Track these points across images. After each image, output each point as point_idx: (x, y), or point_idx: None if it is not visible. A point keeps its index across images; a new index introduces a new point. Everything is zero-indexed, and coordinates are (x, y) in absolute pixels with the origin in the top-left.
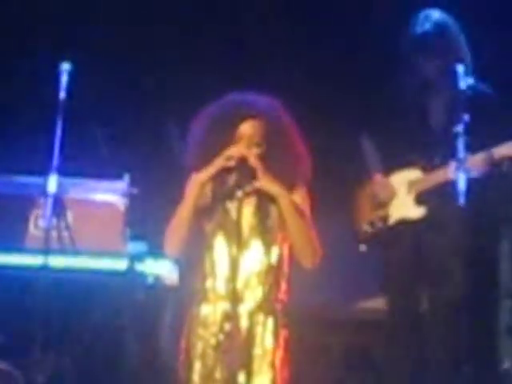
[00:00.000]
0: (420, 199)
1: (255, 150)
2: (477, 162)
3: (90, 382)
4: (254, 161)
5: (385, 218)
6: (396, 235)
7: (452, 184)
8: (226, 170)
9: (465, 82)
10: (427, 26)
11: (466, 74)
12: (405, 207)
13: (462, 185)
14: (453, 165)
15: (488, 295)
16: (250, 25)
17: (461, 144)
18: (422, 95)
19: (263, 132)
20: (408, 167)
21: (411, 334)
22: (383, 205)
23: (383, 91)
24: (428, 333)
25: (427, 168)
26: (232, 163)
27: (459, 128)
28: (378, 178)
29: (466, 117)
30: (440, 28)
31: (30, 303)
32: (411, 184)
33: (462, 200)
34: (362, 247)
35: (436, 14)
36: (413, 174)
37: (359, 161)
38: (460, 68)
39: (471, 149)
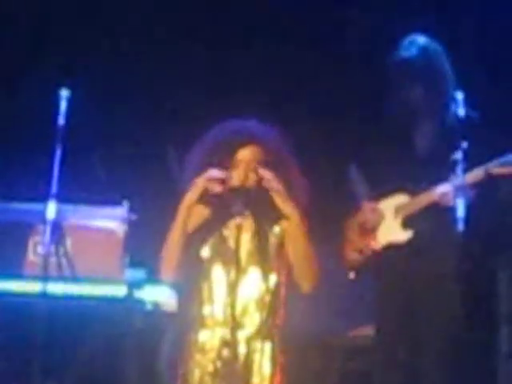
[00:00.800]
0: (407, 223)
1: (253, 176)
2: (472, 179)
3: None
4: (268, 178)
5: (372, 245)
6: (384, 261)
7: (450, 210)
8: (214, 195)
9: (462, 109)
10: (413, 51)
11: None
12: (392, 232)
13: (460, 211)
14: (439, 187)
15: (486, 321)
16: (248, 54)
17: (460, 171)
18: (407, 120)
19: (261, 158)
20: (395, 193)
21: (406, 364)
22: (371, 230)
23: (371, 120)
24: (425, 362)
25: (414, 192)
26: (216, 187)
27: (458, 155)
28: (367, 205)
29: (464, 144)
30: (426, 53)
31: (29, 330)
32: (398, 209)
33: (460, 226)
34: (352, 275)
35: (421, 40)
36: (399, 198)
37: (348, 191)
38: (459, 95)
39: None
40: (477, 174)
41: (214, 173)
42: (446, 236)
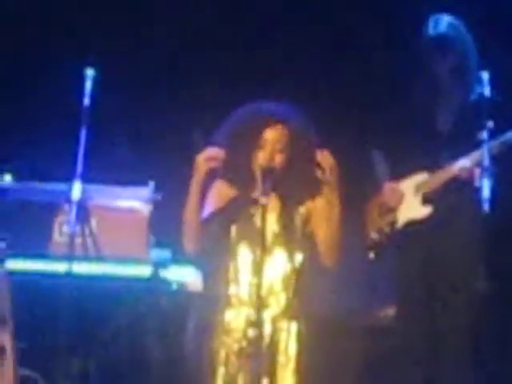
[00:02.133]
0: (427, 199)
1: (279, 156)
2: (493, 150)
3: None
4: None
5: (392, 224)
6: (404, 239)
7: (476, 191)
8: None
9: (488, 89)
10: (443, 27)
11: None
12: (412, 209)
13: (486, 192)
14: (459, 162)
15: (510, 304)
16: (270, 39)
17: (485, 151)
18: (431, 97)
19: (287, 138)
20: (415, 172)
21: (425, 345)
22: (392, 210)
23: (392, 99)
24: (444, 343)
25: (433, 170)
26: (215, 165)
27: (483, 135)
28: (388, 185)
29: (490, 124)
30: (455, 28)
31: (55, 309)
32: (418, 186)
33: (486, 207)
34: (371, 255)
35: (448, 18)
36: (419, 177)
37: (369, 172)
38: (485, 75)
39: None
40: (497, 145)
41: (211, 151)
42: (468, 211)
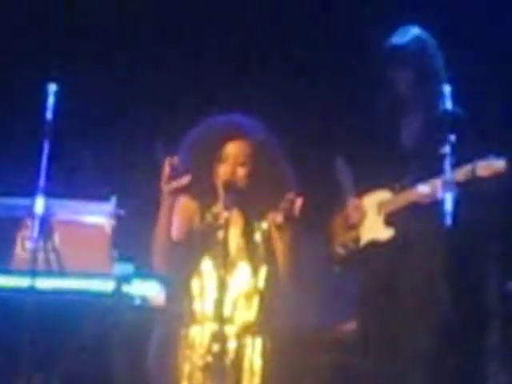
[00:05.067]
0: (389, 220)
1: (241, 170)
2: (459, 176)
3: None
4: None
5: (356, 240)
6: (367, 257)
7: (438, 204)
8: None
9: (449, 102)
10: (406, 39)
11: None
12: (374, 229)
13: (448, 205)
14: (419, 187)
15: (474, 316)
16: (231, 52)
17: (447, 164)
18: (394, 111)
19: (249, 152)
20: (378, 188)
21: (388, 361)
22: (354, 226)
23: (357, 111)
24: (407, 359)
25: (396, 189)
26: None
27: (446, 149)
28: (351, 200)
29: (452, 137)
30: (418, 41)
31: (17, 325)
32: (380, 205)
33: (448, 220)
34: (336, 269)
35: (415, 29)
36: (382, 195)
37: (334, 184)
38: (446, 88)
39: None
40: (464, 172)
41: (167, 170)
42: (428, 233)
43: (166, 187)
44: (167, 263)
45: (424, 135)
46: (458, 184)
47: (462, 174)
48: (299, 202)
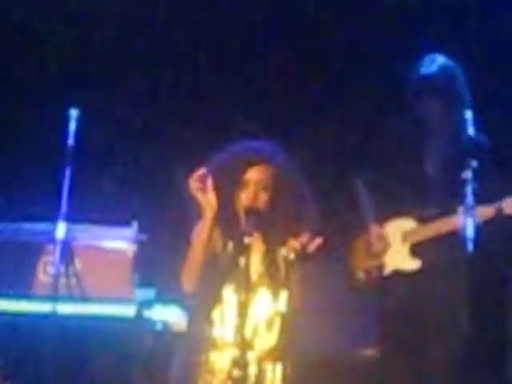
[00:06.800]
0: (415, 251)
1: (262, 195)
2: (486, 214)
3: None
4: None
5: (380, 267)
6: (392, 286)
7: (460, 231)
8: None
9: (472, 129)
10: (433, 68)
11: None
12: (400, 258)
13: (470, 231)
14: (449, 217)
15: (496, 344)
16: (253, 74)
17: (469, 191)
18: (419, 139)
19: (270, 177)
20: (402, 216)
21: None
22: (378, 255)
23: (380, 136)
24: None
25: (421, 218)
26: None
27: (468, 174)
28: (373, 228)
29: (474, 163)
30: (445, 71)
31: (39, 350)
32: (405, 234)
33: (470, 247)
34: (356, 294)
35: (441, 58)
36: (406, 223)
37: (355, 209)
38: (468, 114)
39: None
40: (488, 210)
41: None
42: (454, 261)
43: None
44: (196, 282)
45: (448, 162)
46: (485, 222)
47: (489, 211)
48: (317, 241)
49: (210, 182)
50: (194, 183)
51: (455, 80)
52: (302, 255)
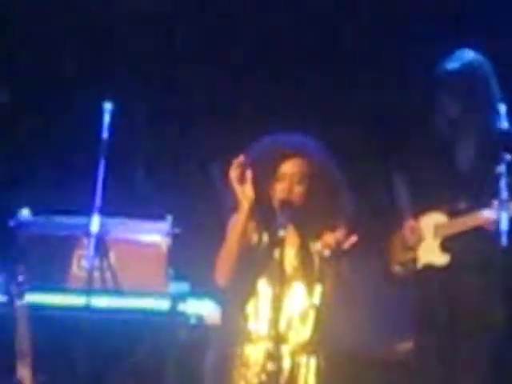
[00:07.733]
0: (445, 245)
1: (297, 188)
2: None
3: None
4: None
5: (414, 260)
6: (423, 280)
7: (490, 225)
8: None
9: (505, 122)
10: (456, 65)
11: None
12: (431, 252)
13: (504, 225)
14: (478, 211)
15: None
16: (283, 72)
17: (503, 184)
18: (448, 134)
19: (306, 170)
20: (434, 210)
21: (443, 380)
22: (412, 248)
23: (414, 131)
24: (465, 377)
25: (452, 212)
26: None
27: (501, 168)
28: (408, 222)
29: (508, 157)
30: (469, 67)
31: (74, 343)
32: (437, 228)
33: (504, 240)
34: (392, 287)
35: (469, 54)
36: (438, 217)
37: (392, 202)
38: (502, 108)
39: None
40: None
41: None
42: (485, 255)
43: (241, 190)
44: (231, 276)
45: (478, 158)
46: None
47: None
48: (352, 239)
49: (248, 173)
50: (233, 172)
51: (480, 76)
52: (337, 252)
